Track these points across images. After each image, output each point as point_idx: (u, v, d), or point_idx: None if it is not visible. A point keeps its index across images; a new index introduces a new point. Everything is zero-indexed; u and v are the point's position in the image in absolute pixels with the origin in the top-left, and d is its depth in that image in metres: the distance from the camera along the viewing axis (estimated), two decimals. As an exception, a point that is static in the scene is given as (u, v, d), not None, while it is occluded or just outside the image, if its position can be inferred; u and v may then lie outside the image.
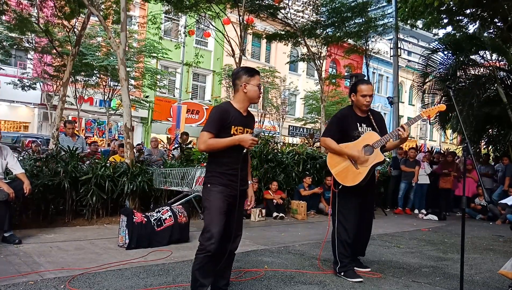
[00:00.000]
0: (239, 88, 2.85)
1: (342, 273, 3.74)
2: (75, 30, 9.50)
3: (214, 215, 2.75)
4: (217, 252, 2.74)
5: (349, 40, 13.68)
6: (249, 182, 3.03)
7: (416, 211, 9.53)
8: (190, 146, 8.25)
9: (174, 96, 22.48)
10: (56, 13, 9.53)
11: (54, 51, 12.25)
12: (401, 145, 4.51)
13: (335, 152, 3.77)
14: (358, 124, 3.80)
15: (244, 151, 2.80)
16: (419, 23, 14.01)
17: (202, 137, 2.77)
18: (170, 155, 8.80)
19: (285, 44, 13.15)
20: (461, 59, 10.71)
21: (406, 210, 9.55)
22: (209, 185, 2.81)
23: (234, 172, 2.79)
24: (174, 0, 9.40)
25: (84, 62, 15.36)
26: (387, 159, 11.39)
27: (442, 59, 11.02)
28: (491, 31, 11.36)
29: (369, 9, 12.51)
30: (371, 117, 3.85)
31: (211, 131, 2.75)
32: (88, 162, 6.45)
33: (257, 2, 10.38)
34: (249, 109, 2.98)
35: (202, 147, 2.79)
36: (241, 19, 9.39)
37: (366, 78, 14.37)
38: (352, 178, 3.69)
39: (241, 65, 9.44)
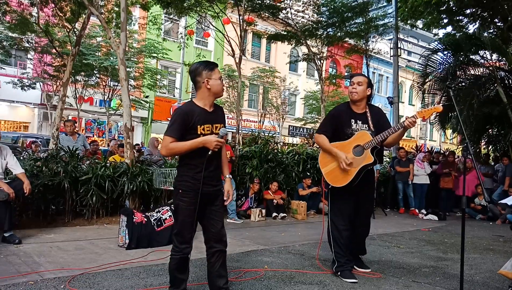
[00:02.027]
0: (201, 85, 2.75)
1: (339, 273, 3.74)
2: (75, 30, 9.50)
3: (186, 222, 2.76)
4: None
5: (349, 40, 13.68)
6: (227, 176, 2.97)
7: (416, 211, 9.54)
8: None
9: (174, 96, 22.50)
10: (56, 13, 9.53)
11: (54, 51, 12.25)
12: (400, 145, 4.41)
13: (326, 150, 3.74)
14: (353, 120, 3.71)
15: (209, 153, 2.70)
16: (419, 23, 14.01)
17: (163, 142, 2.69)
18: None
19: (289, 44, 13.14)
20: (461, 59, 10.72)
21: (413, 211, 9.48)
22: (180, 191, 2.76)
23: (203, 174, 2.72)
24: (175, 0, 9.39)
25: (85, 63, 15.38)
26: (388, 159, 11.40)
27: (442, 59, 11.02)
28: (491, 31, 11.36)
29: (369, 9, 12.50)
30: (368, 114, 3.74)
31: (173, 136, 2.66)
32: (88, 162, 6.45)
33: (258, 1, 10.37)
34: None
35: (164, 152, 2.72)
36: (241, 19, 9.38)
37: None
38: (340, 179, 3.66)
39: (241, 66, 9.47)
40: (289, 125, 26.53)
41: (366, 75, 3.85)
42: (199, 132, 2.71)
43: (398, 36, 13.78)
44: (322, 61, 12.48)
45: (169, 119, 2.79)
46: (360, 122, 3.71)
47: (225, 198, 2.92)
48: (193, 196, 2.73)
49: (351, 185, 3.63)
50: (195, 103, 2.79)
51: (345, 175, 3.63)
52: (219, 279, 2.85)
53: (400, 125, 3.52)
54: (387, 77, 31.65)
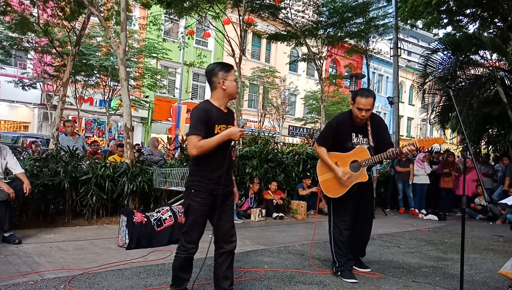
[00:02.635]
0: (217, 85, 2.77)
1: (339, 273, 3.75)
2: (75, 30, 9.50)
3: (196, 222, 2.76)
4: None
5: (349, 40, 13.70)
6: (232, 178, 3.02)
7: (416, 211, 9.53)
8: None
9: (174, 96, 22.48)
10: (56, 13, 9.53)
11: (54, 51, 12.25)
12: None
13: (324, 162, 3.81)
14: (353, 134, 3.74)
15: (232, 143, 2.77)
16: (419, 23, 14.02)
17: (191, 141, 2.66)
18: (171, 155, 8.79)
19: (288, 45, 13.15)
20: (461, 59, 10.71)
21: (413, 211, 9.48)
22: (192, 191, 2.75)
23: (219, 173, 2.74)
24: (175, 1, 9.39)
25: (87, 63, 15.38)
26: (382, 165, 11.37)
27: (442, 59, 11.02)
28: (491, 31, 11.37)
29: (369, 9, 12.52)
30: (369, 127, 3.76)
31: (199, 134, 2.65)
32: (88, 162, 6.45)
33: (257, 1, 10.37)
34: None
35: (194, 152, 2.65)
36: (241, 19, 9.39)
37: (366, 78, 14.37)
38: (335, 190, 3.76)
39: (241, 66, 9.47)
40: (289, 125, 26.52)
41: (372, 91, 3.85)
42: (215, 132, 2.72)
43: (398, 36, 13.80)
44: (322, 61, 12.48)
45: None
46: (361, 135, 3.76)
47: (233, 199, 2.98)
48: (206, 197, 2.74)
49: (346, 196, 3.74)
50: (212, 103, 2.80)
51: (340, 187, 3.74)
52: (224, 281, 2.85)
53: (399, 150, 3.58)
54: (387, 77, 31.66)
